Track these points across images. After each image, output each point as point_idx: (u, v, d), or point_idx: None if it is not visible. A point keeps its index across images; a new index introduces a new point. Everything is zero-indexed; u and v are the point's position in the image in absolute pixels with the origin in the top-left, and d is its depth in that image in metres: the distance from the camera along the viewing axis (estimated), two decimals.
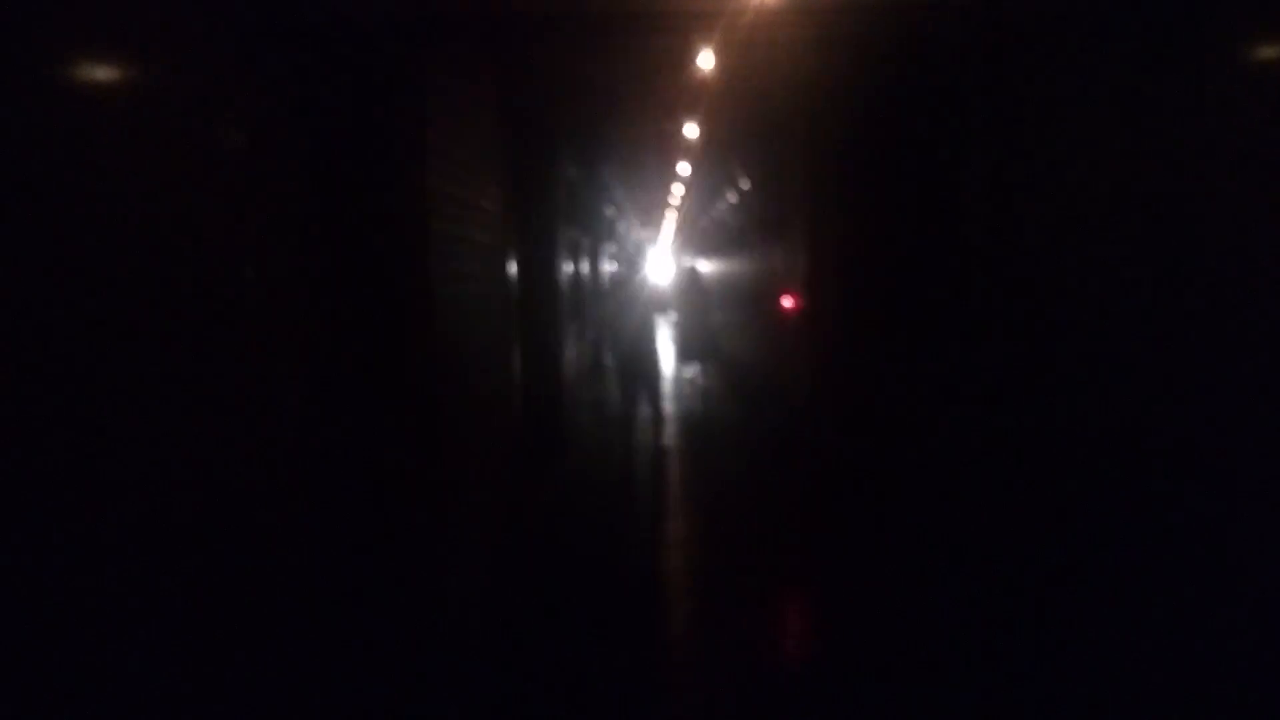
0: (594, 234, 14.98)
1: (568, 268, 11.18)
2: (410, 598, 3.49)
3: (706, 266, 18.39)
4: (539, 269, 8.75)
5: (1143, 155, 3.24)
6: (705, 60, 5.55)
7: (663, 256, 28.41)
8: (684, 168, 12.33)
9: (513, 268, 6.21)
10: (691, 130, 9.39)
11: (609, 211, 17.41)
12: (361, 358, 3.35)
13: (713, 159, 11.56)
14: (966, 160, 4.96)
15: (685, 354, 13.74)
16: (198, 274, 2.48)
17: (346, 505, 3.35)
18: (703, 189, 14.84)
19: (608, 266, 18.15)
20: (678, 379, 14.24)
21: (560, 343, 9.37)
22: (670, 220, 22.13)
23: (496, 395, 5.61)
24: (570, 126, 9.38)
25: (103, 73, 2.08)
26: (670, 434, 9.86)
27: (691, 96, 8.73)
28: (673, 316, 13.30)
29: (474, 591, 4.50)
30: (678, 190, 16.15)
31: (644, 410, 10.33)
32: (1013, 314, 4.36)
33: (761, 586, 5.20)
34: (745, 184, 10.69)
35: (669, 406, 11.83)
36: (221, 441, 2.58)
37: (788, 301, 8.49)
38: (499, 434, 5.68)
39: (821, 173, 7.12)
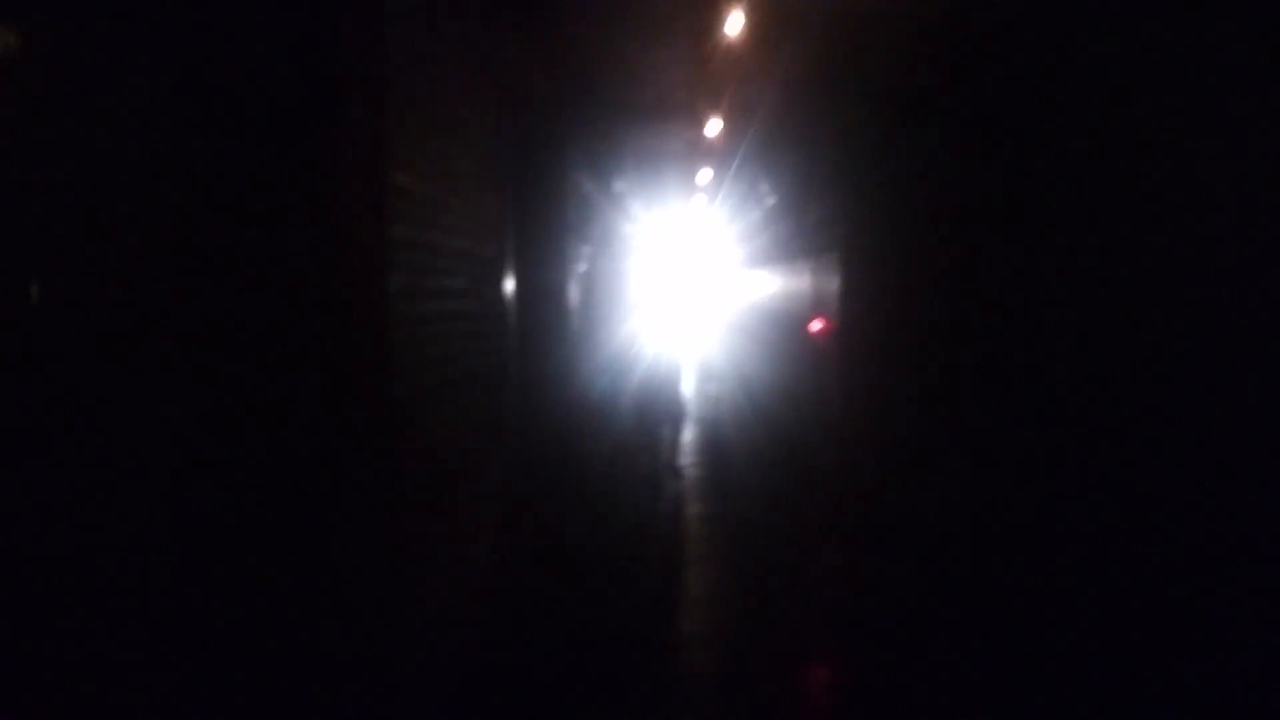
0: (609, 251, 14.24)
1: (580, 286, 10.45)
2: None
3: (728, 286, 17.65)
4: (546, 286, 8.01)
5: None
6: (729, 52, 4.82)
7: (683, 276, 27.66)
8: (704, 180, 11.61)
9: (511, 284, 5.47)
10: (713, 134, 8.65)
11: (625, 228, 16.70)
12: (277, 395, 2.59)
13: (735, 173, 10.82)
14: (1049, 165, 4.18)
15: (705, 373, 13.13)
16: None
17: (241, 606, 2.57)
18: (725, 205, 14.10)
19: (624, 285, 17.39)
20: (697, 403, 13.49)
21: (571, 368, 8.62)
22: (690, 239, 21.41)
23: (489, 430, 4.85)
24: (582, 130, 8.67)
25: None
26: (691, 470, 9.07)
27: (713, 93, 7.99)
28: (694, 337, 12.75)
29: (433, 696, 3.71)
30: (697, 208, 15.43)
31: (664, 443, 9.56)
32: (1102, 349, 3.55)
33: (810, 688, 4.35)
34: (771, 198, 9.93)
35: (689, 436, 11.05)
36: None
37: (816, 324, 7.70)
38: (491, 477, 4.92)
39: (861, 182, 6.34)
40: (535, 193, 7.65)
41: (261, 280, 2.55)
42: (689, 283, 23.94)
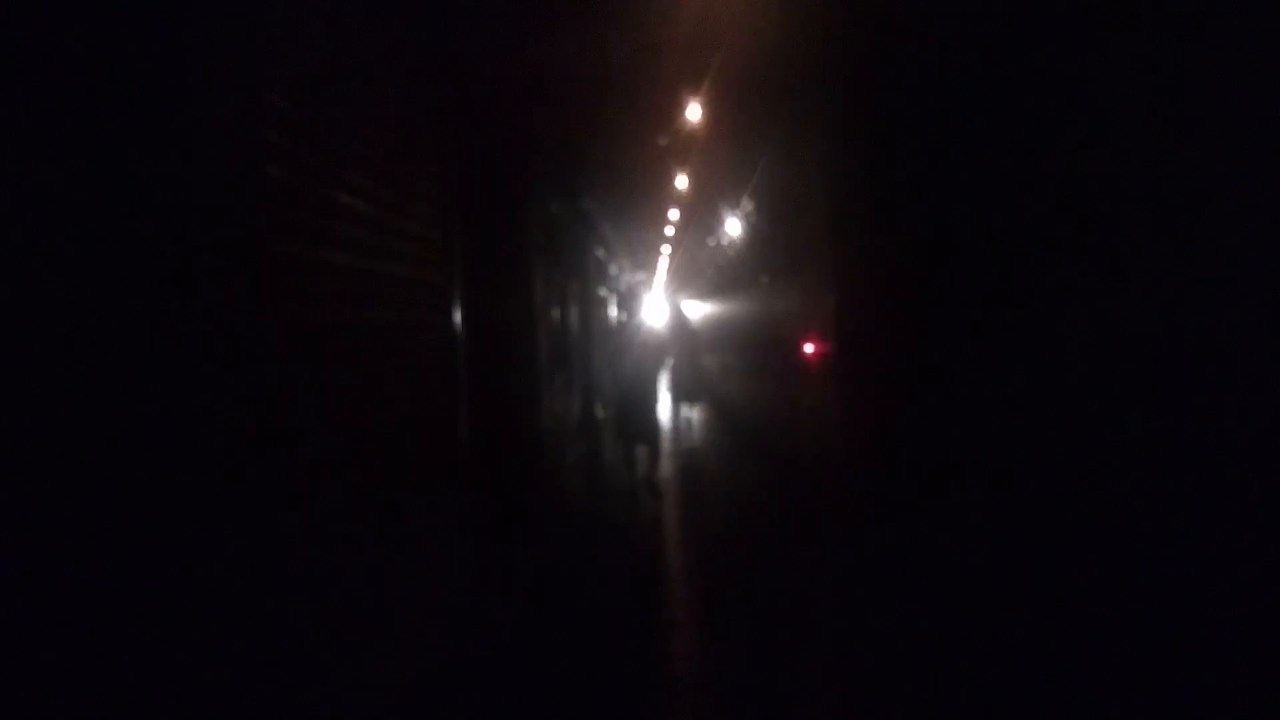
0: (581, 276, 13.54)
1: (550, 312, 9.73)
2: None
3: (705, 308, 17.02)
4: (510, 312, 7.28)
5: None
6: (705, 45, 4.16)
7: (658, 299, 27.01)
8: (679, 193, 10.96)
9: (458, 312, 4.72)
10: (689, 144, 8.00)
11: (599, 252, 16.02)
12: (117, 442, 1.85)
13: (712, 185, 10.16)
14: (1065, 162, 3.50)
15: (679, 397, 12.53)
16: None
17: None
18: (701, 222, 13.46)
19: (599, 311, 16.67)
20: (677, 431, 12.77)
21: (537, 398, 7.87)
22: (665, 260, 20.79)
23: (430, 469, 4.10)
24: (547, 147, 7.98)
25: None
26: (674, 503, 8.32)
27: (688, 95, 7.33)
28: (668, 361, 12.12)
29: None
30: (672, 227, 14.79)
31: (642, 472, 8.83)
32: (1136, 369, 2.86)
33: None
34: (751, 211, 9.27)
35: (670, 465, 10.29)
36: None
37: (809, 347, 7.01)
38: (437, 520, 4.16)
39: (857, 189, 5.67)
40: (493, 215, 6.95)
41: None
42: (666, 307, 23.29)
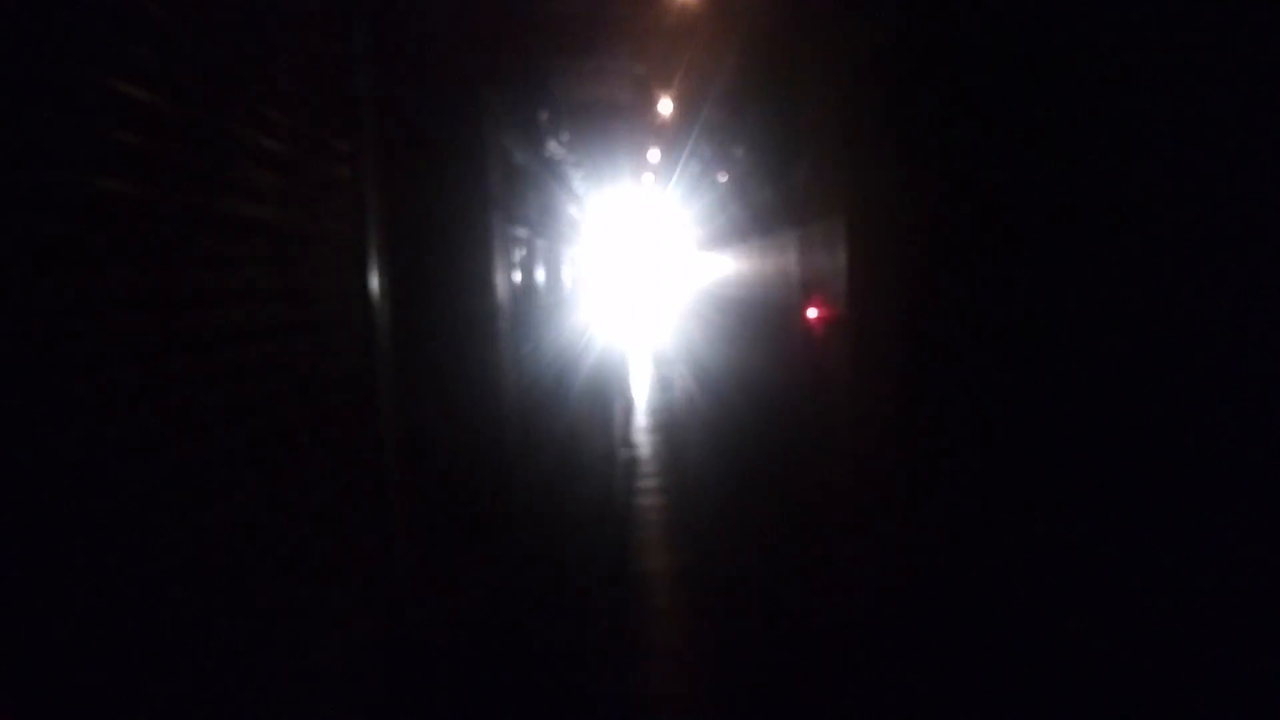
0: (551, 234, 12.43)
1: (514, 274, 8.65)
2: None
3: (687, 267, 16.03)
4: (461, 275, 6.22)
5: None
6: None
7: (636, 259, 25.83)
8: (659, 143, 9.86)
9: (376, 273, 3.66)
10: (670, 83, 6.91)
11: (571, 208, 14.87)
12: None
13: (697, 128, 9.06)
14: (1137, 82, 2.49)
15: (660, 361, 11.64)
16: None
17: None
18: (685, 171, 12.35)
19: (572, 272, 15.52)
20: (656, 401, 11.82)
21: (497, 372, 6.83)
22: (644, 218, 19.67)
23: (342, 472, 3.09)
24: (504, 80, 6.84)
25: None
26: (655, 487, 7.34)
27: (670, 30, 6.22)
28: (644, 323, 11.27)
29: None
30: (651, 184, 13.68)
31: (618, 449, 7.89)
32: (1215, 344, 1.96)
33: None
34: (744, 154, 8.18)
35: (652, 441, 9.34)
36: None
37: (813, 311, 6.00)
38: (355, 535, 3.17)
39: (877, 129, 4.63)
40: (434, 159, 5.85)
41: None
42: (643, 265, 22.04)
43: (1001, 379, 3.50)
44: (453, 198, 6.17)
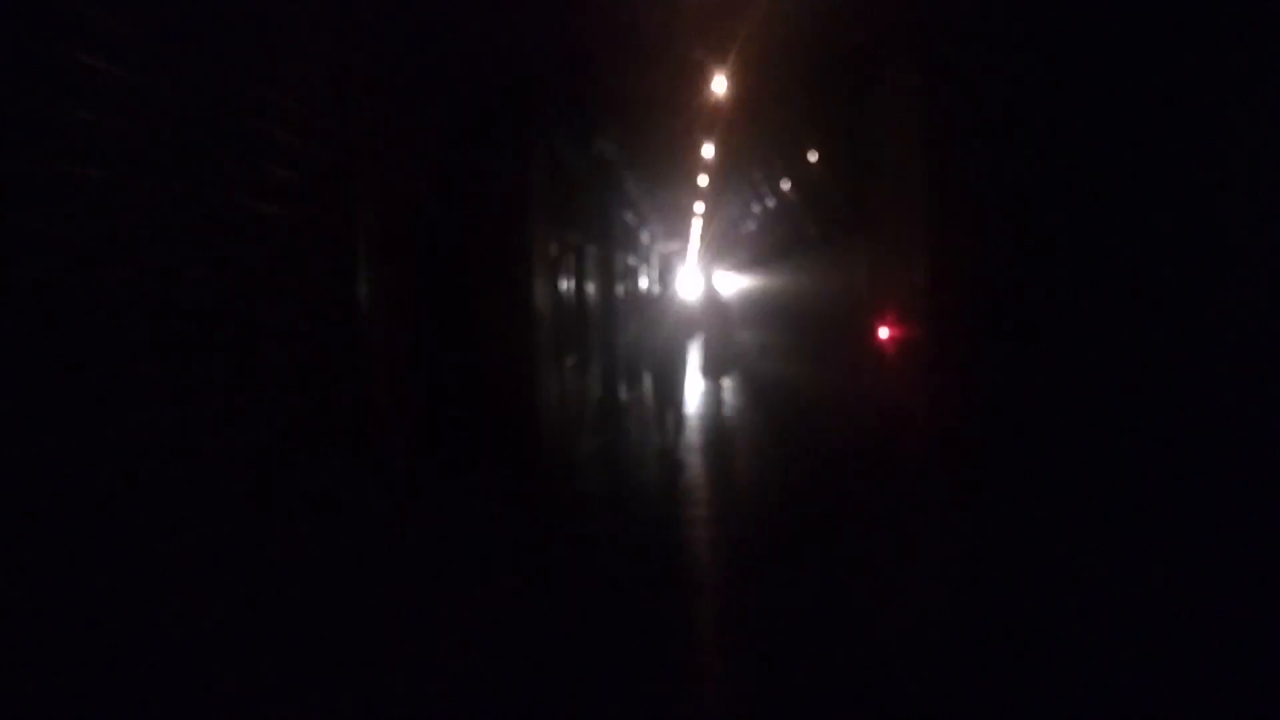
0: (603, 240, 12.01)
1: (560, 281, 8.24)
2: None
3: (741, 280, 15.53)
4: (496, 278, 5.82)
5: None
6: None
7: (689, 270, 25.32)
8: (715, 151, 9.38)
9: (363, 274, 3.23)
10: (723, 91, 6.45)
11: (625, 215, 14.44)
12: None
13: (756, 135, 8.55)
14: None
15: (710, 371, 11.20)
16: None
17: None
18: (741, 188, 11.85)
19: (624, 282, 15.06)
20: (708, 405, 11.45)
21: (535, 382, 6.38)
22: (698, 227, 19.19)
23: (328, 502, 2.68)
24: (551, 74, 6.41)
25: None
26: (711, 511, 6.82)
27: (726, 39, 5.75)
28: (698, 334, 10.84)
29: None
30: (705, 190, 13.19)
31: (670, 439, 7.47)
32: None
33: None
34: (808, 163, 7.65)
35: (699, 439, 8.87)
36: None
37: (884, 331, 5.46)
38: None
39: (962, 147, 4.10)
40: (468, 155, 5.45)
41: None
42: (698, 278, 21.53)
43: (1107, 401, 2.95)
44: (489, 199, 5.78)
